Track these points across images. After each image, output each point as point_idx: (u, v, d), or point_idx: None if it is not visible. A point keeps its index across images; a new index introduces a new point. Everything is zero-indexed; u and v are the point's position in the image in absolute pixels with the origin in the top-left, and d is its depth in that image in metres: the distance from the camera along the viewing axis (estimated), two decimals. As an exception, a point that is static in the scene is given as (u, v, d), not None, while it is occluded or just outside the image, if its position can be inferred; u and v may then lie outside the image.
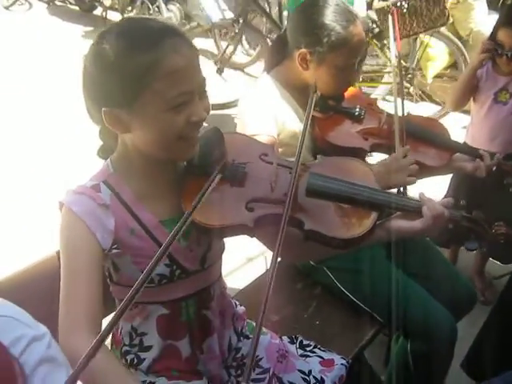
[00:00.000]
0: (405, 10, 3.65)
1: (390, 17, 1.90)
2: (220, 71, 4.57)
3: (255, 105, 1.65)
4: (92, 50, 1.07)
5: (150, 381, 1.25)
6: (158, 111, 1.05)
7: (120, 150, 1.17)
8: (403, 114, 1.78)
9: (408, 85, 4.43)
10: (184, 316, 1.24)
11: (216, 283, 1.30)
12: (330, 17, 1.59)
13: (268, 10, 4.89)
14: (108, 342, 1.34)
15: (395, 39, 1.84)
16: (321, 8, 1.61)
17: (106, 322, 1.11)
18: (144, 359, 1.26)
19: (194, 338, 1.26)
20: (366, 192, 1.22)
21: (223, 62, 4.62)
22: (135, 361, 1.26)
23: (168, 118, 1.06)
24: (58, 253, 1.32)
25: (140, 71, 1.02)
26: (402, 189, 1.60)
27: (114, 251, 1.13)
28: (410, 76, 4.40)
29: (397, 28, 1.84)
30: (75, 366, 0.78)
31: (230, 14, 4.70)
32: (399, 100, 1.78)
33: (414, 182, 1.60)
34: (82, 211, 1.09)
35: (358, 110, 1.74)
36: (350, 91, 1.79)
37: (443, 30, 4.13)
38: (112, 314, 1.33)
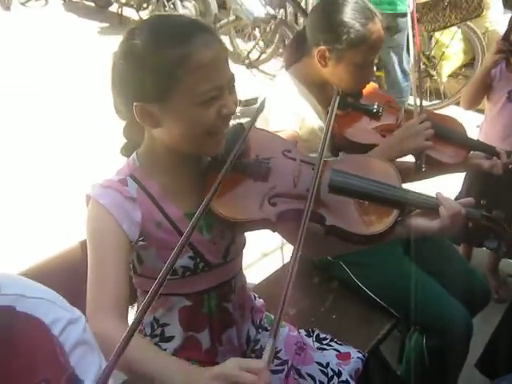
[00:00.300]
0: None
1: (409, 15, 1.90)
2: (251, 66, 4.58)
3: (276, 102, 1.66)
4: (122, 46, 1.09)
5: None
6: (190, 105, 1.07)
7: (147, 144, 1.19)
8: (422, 88, 1.77)
9: (432, 71, 4.45)
10: (206, 308, 1.26)
11: (237, 276, 1.32)
12: (349, 14, 1.60)
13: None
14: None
15: (414, 35, 1.86)
16: (340, 5, 1.62)
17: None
18: (165, 350, 1.27)
19: (213, 330, 1.28)
20: (388, 189, 1.24)
21: (250, 59, 4.62)
22: (156, 351, 1.28)
23: (199, 111, 1.07)
24: (81, 243, 1.35)
25: (172, 65, 1.03)
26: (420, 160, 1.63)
27: (140, 243, 1.15)
28: (430, 63, 4.43)
29: (416, 26, 1.85)
30: (104, 352, 0.80)
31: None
32: (418, 91, 1.78)
33: (430, 146, 1.62)
34: (110, 203, 1.11)
35: (376, 106, 1.75)
36: (369, 88, 1.80)
37: (468, 22, 4.14)
38: (134, 305, 1.36)
